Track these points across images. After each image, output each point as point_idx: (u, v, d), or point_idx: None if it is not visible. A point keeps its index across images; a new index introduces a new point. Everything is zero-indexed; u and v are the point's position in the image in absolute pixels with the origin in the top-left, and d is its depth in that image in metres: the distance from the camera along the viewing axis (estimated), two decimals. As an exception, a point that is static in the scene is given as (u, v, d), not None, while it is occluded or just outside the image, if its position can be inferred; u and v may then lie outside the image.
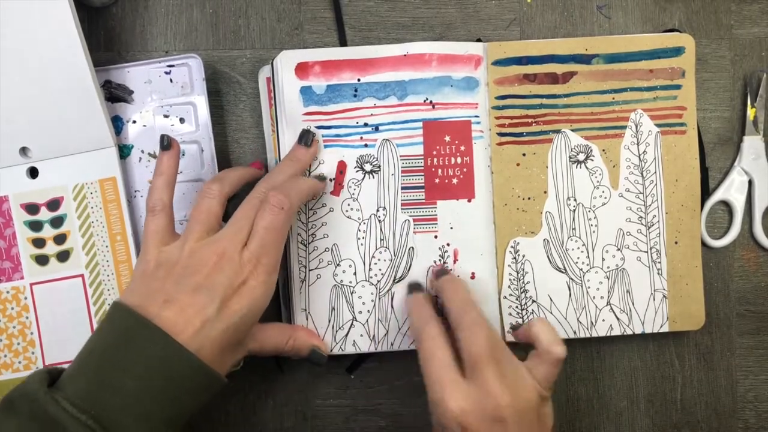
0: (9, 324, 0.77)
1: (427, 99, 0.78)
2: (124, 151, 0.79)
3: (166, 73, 0.80)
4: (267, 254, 0.69)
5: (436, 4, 0.84)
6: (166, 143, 0.73)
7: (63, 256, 0.77)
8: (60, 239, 0.77)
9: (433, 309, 0.73)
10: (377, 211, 0.78)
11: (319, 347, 0.77)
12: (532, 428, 0.67)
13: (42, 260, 0.77)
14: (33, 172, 0.77)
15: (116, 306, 0.66)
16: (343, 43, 0.83)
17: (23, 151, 0.76)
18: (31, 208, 0.77)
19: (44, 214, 0.77)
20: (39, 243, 0.77)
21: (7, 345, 0.77)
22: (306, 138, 0.76)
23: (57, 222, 0.77)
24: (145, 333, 0.63)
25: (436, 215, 0.78)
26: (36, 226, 0.77)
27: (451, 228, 0.78)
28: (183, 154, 0.79)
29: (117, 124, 0.79)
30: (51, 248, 0.77)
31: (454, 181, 0.78)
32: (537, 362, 0.69)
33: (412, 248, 0.78)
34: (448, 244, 0.78)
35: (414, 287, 0.77)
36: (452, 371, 0.67)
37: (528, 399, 0.67)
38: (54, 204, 0.77)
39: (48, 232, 0.77)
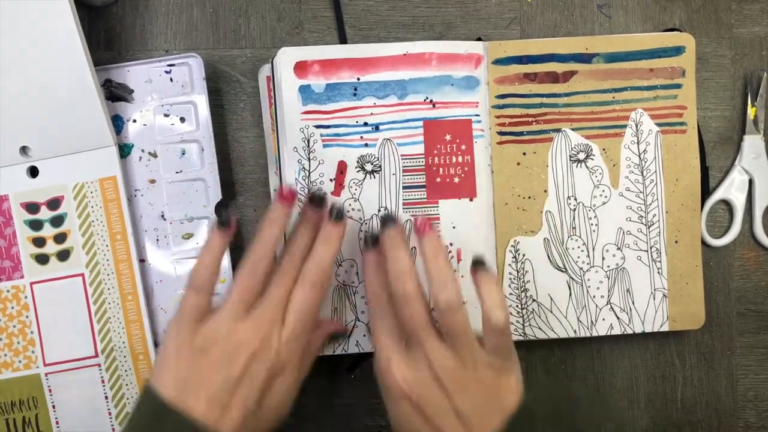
0: (9, 323, 0.77)
1: (427, 98, 0.78)
2: (124, 150, 0.79)
3: (167, 72, 0.80)
4: (305, 331, 0.69)
5: (436, 3, 0.84)
6: (225, 220, 0.69)
7: (63, 255, 0.77)
8: (60, 238, 0.77)
9: (384, 273, 0.71)
10: (379, 211, 0.78)
11: (335, 331, 0.77)
12: (483, 398, 0.66)
13: (42, 259, 0.77)
14: (33, 171, 0.77)
15: (151, 394, 0.65)
16: (343, 42, 0.83)
17: (23, 150, 0.76)
18: (32, 207, 0.77)
19: (44, 213, 0.77)
20: (39, 242, 0.77)
21: (7, 344, 0.77)
22: (337, 212, 0.71)
23: (57, 221, 0.77)
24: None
25: (438, 215, 0.78)
26: (36, 225, 0.77)
27: (454, 227, 0.78)
28: (183, 153, 0.79)
29: (117, 123, 0.79)
30: (51, 247, 0.77)
31: (456, 180, 0.78)
32: (484, 329, 0.67)
33: (414, 249, 0.78)
34: (451, 244, 0.78)
35: (370, 241, 0.73)
36: (395, 341, 0.69)
37: (471, 367, 0.66)
38: (54, 203, 0.77)
39: (48, 231, 0.77)
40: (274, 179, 0.82)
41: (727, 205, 0.86)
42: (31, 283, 0.77)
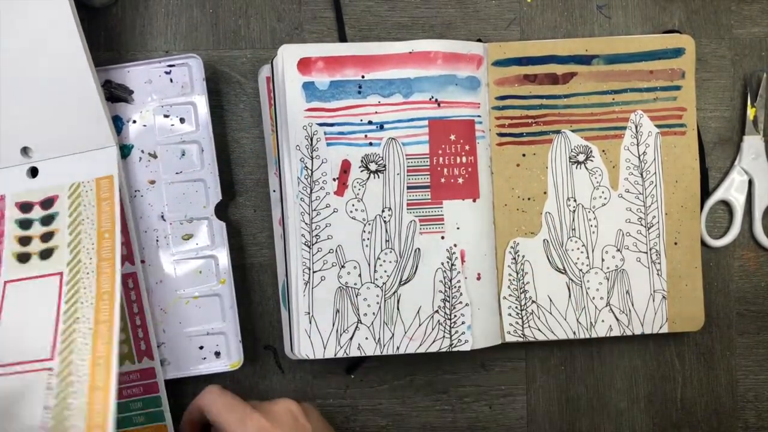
0: None
1: (432, 97, 0.78)
2: (124, 151, 0.78)
3: (167, 73, 0.79)
4: None
5: (436, 3, 0.84)
6: None
7: (46, 254, 0.75)
8: (47, 237, 0.75)
9: None
10: (383, 211, 0.78)
11: None
12: None
13: (23, 258, 0.75)
14: (33, 172, 0.76)
15: None
16: (343, 42, 0.83)
17: (24, 150, 0.75)
18: (25, 207, 0.76)
19: (36, 213, 0.76)
20: (25, 241, 0.76)
21: None
22: None
23: (47, 220, 0.76)
24: None
25: (442, 215, 0.78)
26: (26, 224, 0.76)
27: (458, 228, 0.78)
28: (183, 154, 0.79)
29: (117, 123, 0.78)
30: (36, 246, 0.75)
31: (460, 180, 0.78)
32: None
33: (419, 249, 0.78)
34: (455, 245, 0.78)
35: None
36: None
37: None
38: (48, 202, 0.76)
39: (36, 230, 0.76)
40: (273, 180, 0.81)
41: (726, 205, 0.86)
42: (6, 282, 0.75)
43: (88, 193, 0.76)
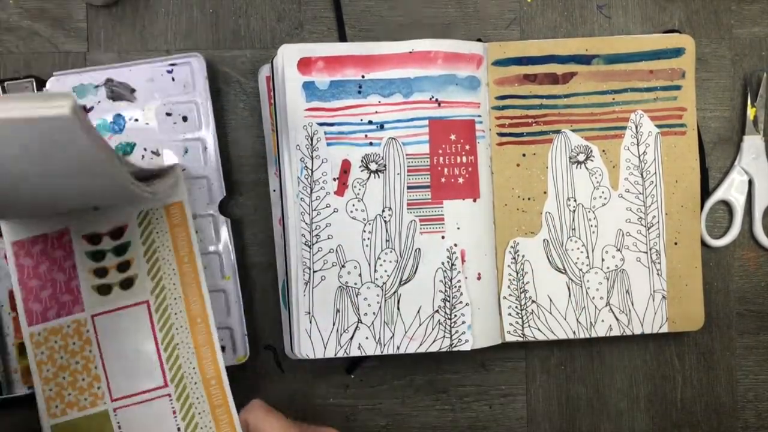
0: (71, 360, 0.74)
1: (432, 97, 0.78)
2: (126, 149, 0.79)
3: (168, 71, 0.79)
4: None
5: (436, 3, 0.84)
6: None
7: (126, 284, 0.74)
8: (123, 267, 0.74)
9: None
10: (383, 211, 0.78)
11: None
12: None
13: (104, 290, 0.74)
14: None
15: None
16: (343, 42, 0.83)
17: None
18: (94, 239, 0.74)
19: (107, 243, 0.74)
20: (101, 273, 0.74)
21: (71, 382, 0.73)
22: None
23: (120, 250, 0.74)
24: None
25: (442, 215, 0.78)
26: (98, 256, 0.74)
27: (458, 228, 0.78)
28: (186, 152, 0.79)
29: (119, 122, 0.78)
30: (114, 277, 0.74)
31: (460, 180, 0.78)
32: None
33: (419, 249, 0.78)
34: (455, 245, 0.78)
35: None
36: None
37: None
38: (117, 232, 0.74)
39: (111, 260, 0.74)
40: (274, 180, 0.81)
41: (726, 205, 0.86)
42: (93, 316, 0.74)
43: (159, 221, 0.74)
